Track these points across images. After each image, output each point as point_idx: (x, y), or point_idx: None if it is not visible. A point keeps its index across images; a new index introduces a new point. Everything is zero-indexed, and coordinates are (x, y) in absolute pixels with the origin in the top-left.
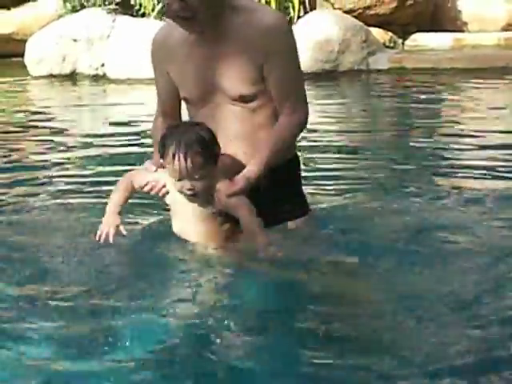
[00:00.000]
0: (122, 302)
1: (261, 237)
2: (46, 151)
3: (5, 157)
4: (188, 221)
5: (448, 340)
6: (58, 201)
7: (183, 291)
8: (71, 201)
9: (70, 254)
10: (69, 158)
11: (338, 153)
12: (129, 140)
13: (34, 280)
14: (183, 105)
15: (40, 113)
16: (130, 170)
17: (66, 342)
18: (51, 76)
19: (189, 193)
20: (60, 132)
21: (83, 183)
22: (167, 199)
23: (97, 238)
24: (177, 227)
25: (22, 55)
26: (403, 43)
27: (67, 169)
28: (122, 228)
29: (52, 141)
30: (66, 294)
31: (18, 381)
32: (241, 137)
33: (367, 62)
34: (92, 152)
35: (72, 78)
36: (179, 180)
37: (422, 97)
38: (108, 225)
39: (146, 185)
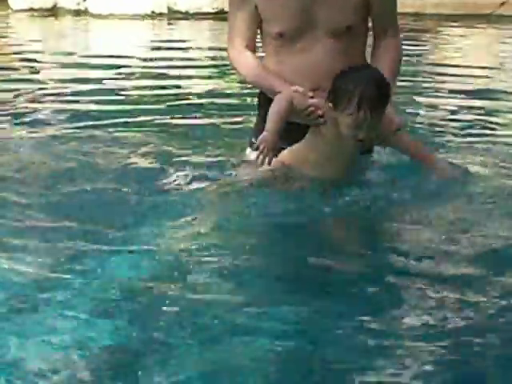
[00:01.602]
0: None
1: (433, 158)
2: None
3: None
4: (328, 155)
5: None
6: (35, 134)
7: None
8: (47, 132)
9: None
10: (46, 90)
11: None
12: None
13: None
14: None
15: (19, 45)
16: None
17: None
18: (32, 10)
19: (360, 140)
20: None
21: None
22: (322, 129)
23: (257, 160)
24: (308, 157)
25: None
26: None
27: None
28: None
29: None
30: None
31: None
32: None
33: None
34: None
35: (53, 12)
36: (355, 129)
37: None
38: (269, 147)
39: (309, 106)
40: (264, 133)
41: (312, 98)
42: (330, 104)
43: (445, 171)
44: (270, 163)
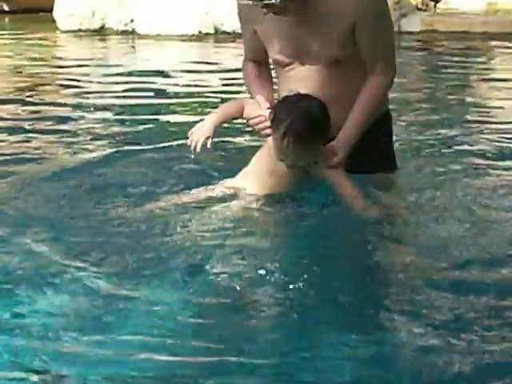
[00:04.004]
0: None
1: (358, 200)
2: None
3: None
4: (274, 175)
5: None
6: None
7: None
8: (91, 154)
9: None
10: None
11: None
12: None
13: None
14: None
15: (66, 67)
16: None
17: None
18: (80, 31)
19: (288, 166)
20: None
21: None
22: (268, 139)
23: (188, 143)
24: (255, 176)
25: (51, 10)
26: (435, 6)
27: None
28: (209, 142)
29: (77, 101)
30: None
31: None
32: (333, 100)
33: (399, 24)
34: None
35: (101, 33)
36: (282, 154)
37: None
38: (200, 133)
39: (255, 117)
40: (204, 120)
41: (268, 109)
42: (269, 126)
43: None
44: (197, 149)
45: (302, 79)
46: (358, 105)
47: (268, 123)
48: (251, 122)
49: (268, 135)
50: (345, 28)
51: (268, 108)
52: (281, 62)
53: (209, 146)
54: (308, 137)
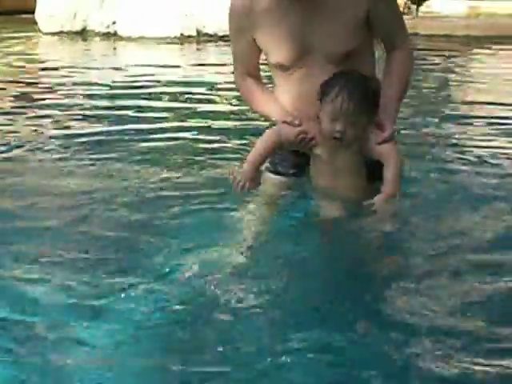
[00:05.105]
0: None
1: (393, 188)
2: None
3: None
4: (336, 172)
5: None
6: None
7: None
8: (68, 163)
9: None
10: (72, 115)
11: None
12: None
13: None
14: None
15: (48, 69)
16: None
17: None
18: (61, 33)
19: (337, 135)
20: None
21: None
22: (316, 151)
23: (234, 188)
24: (322, 181)
25: (33, 12)
26: (417, 9)
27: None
28: (257, 185)
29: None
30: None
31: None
32: None
33: None
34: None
35: (82, 35)
36: (333, 120)
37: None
38: (245, 177)
39: (297, 135)
40: (244, 164)
41: (300, 125)
42: (319, 102)
43: (379, 201)
44: (246, 191)
45: (305, 79)
46: (392, 78)
47: (310, 135)
48: (297, 141)
49: (313, 146)
50: (360, 15)
51: (300, 123)
52: (285, 65)
53: (259, 186)
54: (360, 95)
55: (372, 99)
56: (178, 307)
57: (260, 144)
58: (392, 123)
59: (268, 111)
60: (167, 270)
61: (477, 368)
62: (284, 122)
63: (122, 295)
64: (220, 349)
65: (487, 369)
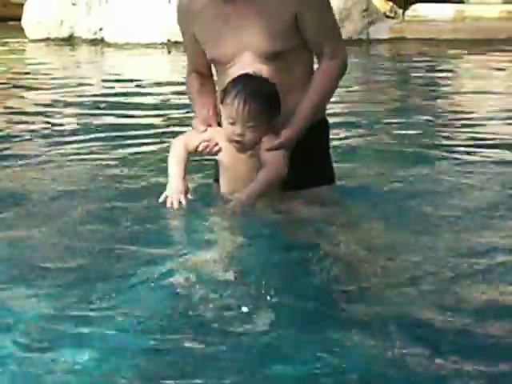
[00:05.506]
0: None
1: (251, 191)
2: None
3: None
4: (237, 178)
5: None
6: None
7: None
8: (57, 170)
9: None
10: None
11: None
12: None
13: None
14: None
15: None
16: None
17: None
18: (48, 39)
19: (237, 138)
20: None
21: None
22: (219, 157)
23: (167, 205)
24: (225, 187)
25: (20, 19)
26: (404, 13)
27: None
28: (188, 195)
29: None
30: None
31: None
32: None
33: (367, 31)
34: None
35: (69, 41)
36: (232, 124)
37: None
38: (177, 191)
39: (199, 145)
40: (169, 179)
41: (205, 131)
42: (221, 105)
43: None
44: (184, 204)
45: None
46: (310, 88)
47: (214, 142)
48: (199, 149)
49: (218, 152)
50: (287, 18)
51: (205, 130)
52: (220, 61)
53: (190, 197)
54: (261, 96)
55: (272, 103)
56: (163, 316)
57: (172, 158)
58: (291, 133)
59: (195, 112)
60: (152, 277)
61: (477, 368)
62: (193, 128)
63: (106, 304)
64: (209, 358)
65: (483, 368)
